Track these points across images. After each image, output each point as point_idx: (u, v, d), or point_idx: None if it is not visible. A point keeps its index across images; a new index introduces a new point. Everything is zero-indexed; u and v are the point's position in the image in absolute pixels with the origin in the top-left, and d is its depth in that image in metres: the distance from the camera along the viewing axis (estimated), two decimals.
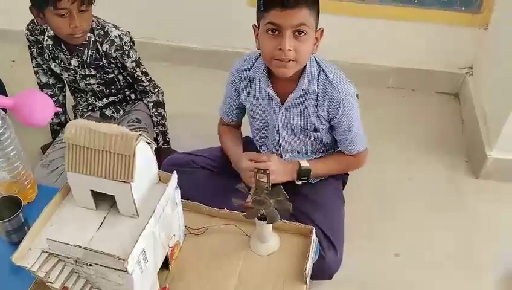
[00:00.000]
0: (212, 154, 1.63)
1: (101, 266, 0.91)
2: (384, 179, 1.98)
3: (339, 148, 1.55)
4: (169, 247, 1.08)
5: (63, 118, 2.00)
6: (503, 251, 1.68)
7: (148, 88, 1.85)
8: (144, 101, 1.89)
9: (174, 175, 1.04)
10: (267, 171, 1.03)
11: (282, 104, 1.42)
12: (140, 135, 0.92)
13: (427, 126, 2.26)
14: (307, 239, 1.16)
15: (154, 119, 1.88)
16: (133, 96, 1.94)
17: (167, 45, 2.67)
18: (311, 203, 1.50)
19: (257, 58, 1.43)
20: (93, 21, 1.67)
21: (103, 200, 1.00)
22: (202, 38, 2.59)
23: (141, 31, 2.32)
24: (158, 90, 1.90)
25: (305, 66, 1.35)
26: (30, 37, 1.75)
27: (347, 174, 1.68)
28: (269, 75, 1.40)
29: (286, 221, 1.18)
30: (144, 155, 0.96)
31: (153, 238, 0.97)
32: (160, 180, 1.06)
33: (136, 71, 1.78)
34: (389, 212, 1.84)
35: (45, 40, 1.71)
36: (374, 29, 2.30)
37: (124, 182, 0.92)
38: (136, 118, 1.86)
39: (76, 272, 0.96)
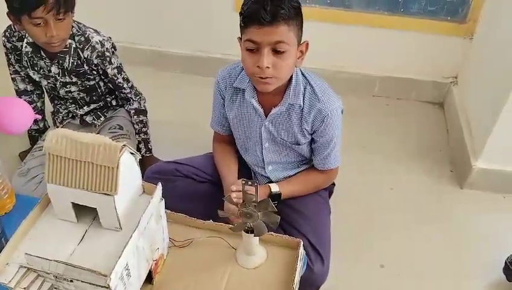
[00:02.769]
0: (196, 163, 1.60)
1: (82, 282, 0.87)
2: (367, 189, 1.97)
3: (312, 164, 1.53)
4: (153, 260, 1.05)
5: (41, 125, 1.94)
6: (487, 260, 1.69)
7: (129, 95, 1.81)
8: (126, 108, 1.85)
9: (159, 187, 1.00)
10: (255, 184, 1.01)
11: (266, 117, 1.40)
12: (124, 145, 0.89)
13: (411, 135, 2.27)
14: (294, 251, 1.13)
15: (136, 126, 1.84)
16: (114, 103, 1.89)
17: (150, 50, 2.63)
18: (297, 213, 1.47)
19: (243, 69, 1.40)
20: (73, 26, 1.62)
21: (85, 212, 0.95)
22: (186, 43, 2.56)
23: (124, 35, 2.28)
24: (140, 97, 1.86)
25: (290, 80, 1.33)
26: (7, 43, 1.69)
27: (333, 184, 1.66)
28: (254, 87, 1.38)
29: (273, 233, 1.15)
30: (128, 166, 0.92)
31: (136, 252, 0.93)
32: (144, 191, 1.02)
33: (118, 78, 1.74)
34: (373, 222, 1.84)
35: (24, 46, 1.65)
36: (360, 37, 2.30)
37: (107, 194, 0.88)
38: (117, 125, 1.81)
39: (55, 288, 0.92)
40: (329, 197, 1.64)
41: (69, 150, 0.88)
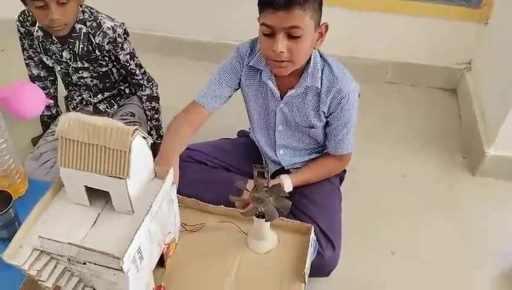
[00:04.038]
0: (208, 148, 1.60)
1: (95, 264, 0.88)
2: (379, 176, 1.96)
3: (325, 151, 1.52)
4: (165, 244, 1.05)
5: (54, 111, 1.95)
6: (498, 249, 1.68)
7: (141, 81, 1.81)
8: (138, 94, 1.85)
9: (171, 171, 1.00)
10: (267, 169, 1.00)
11: (282, 99, 1.39)
12: (136, 129, 0.89)
13: (423, 122, 2.24)
14: (305, 237, 1.13)
15: (148, 113, 1.84)
16: (127, 91, 1.89)
17: (158, 36, 2.62)
18: (308, 199, 1.47)
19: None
20: (85, 12, 1.63)
21: (97, 196, 0.96)
22: (195, 29, 2.55)
23: (133, 22, 2.27)
24: (152, 83, 1.85)
25: (308, 62, 1.32)
26: (21, 28, 1.70)
27: (344, 171, 1.66)
28: None
29: (284, 219, 1.15)
30: (140, 150, 0.93)
31: (148, 235, 0.94)
32: (156, 175, 1.03)
33: (130, 64, 1.74)
34: (384, 209, 1.82)
35: (35, 30, 1.66)
36: (373, 22, 2.28)
37: (119, 178, 0.88)
38: (129, 112, 1.82)
39: (69, 271, 0.93)
40: (340, 184, 1.64)
41: (81, 134, 0.88)
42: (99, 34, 1.63)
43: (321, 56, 1.34)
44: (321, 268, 1.35)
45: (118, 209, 0.95)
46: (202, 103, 1.41)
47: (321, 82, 1.33)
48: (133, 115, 1.80)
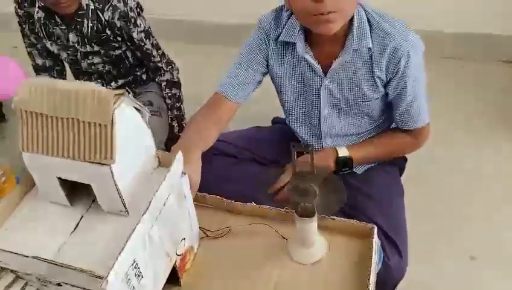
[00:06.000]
0: (238, 139, 1.34)
1: (72, 286, 0.63)
2: (445, 167, 1.69)
3: (392, 125, 1.25)
4: (178, 255, 0.79)
5: None
6: None
7: (160, 64, 1.57)
8: (156, 80, 1.61)
9: (179, 156, 0.74)
10: (310, 148, 0.73)
11: (325, 75, 1.12)
12: (121, 94, 0.63)
13: (495, 103, 1.93)
14: (365, 241, 0.85)
15: (168, 101, 1.61)
16: (144, 77, 1.67)
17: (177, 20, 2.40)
18: (364, 196, 1.19)
19: (290, 16, 1.12)
20: None
21: (81, 192, 0.71)
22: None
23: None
24: (172, 66, 1.62)
25: (351, 21, 1.05)
26: (19, 10, 1.50)
27: (405, 159, 1.35)
28: (306, 38, 1.10)
29: (336, 218, 0.87)
30: (131, 125, 0.67)
31: (149, 244, 0.68)
32: (160, 164, 0.77)
33: (146, 44, 1.51)
34: (458, 206, 1.56)
35: (36, 12, 1.45)
36: None
37: (101, 164, 0.63)
38: (147, 101, 1.59)
39: None
40: (400, 175, 1.34)
41: (45, 104, 0.63)
42: (108, 8, 1.42)
43: (365, 10, 1.07)
44: (387, 281, 1.08)
45: (107, 209, 0.70)
46: (225, 94, 1.17)
47: (371, 40, 1.06)
48: (151, 103, 1.57)
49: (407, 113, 1.15)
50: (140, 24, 1.48)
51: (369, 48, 1.07)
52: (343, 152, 1.17)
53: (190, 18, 2.44)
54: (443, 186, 1.62)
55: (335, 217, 0.87)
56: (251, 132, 1.42)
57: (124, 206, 0.68)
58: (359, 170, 1.25)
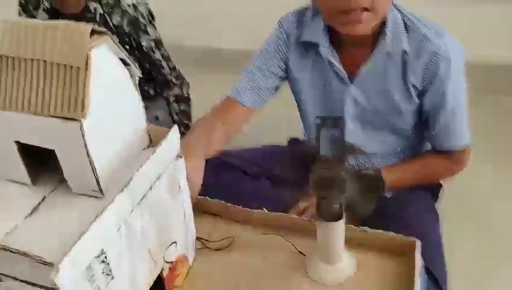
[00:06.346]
0: (249, 154, 1.19)
1: (15, 279, 0.46)
2: (484, 199, 1.50)
3: (428, 147, 1.09)
4: (166, 262, 0.62)
5: None
6: None
7: (169, 77, 1.46)
8: (164, 95, 1.49)
9: (174, 132, 0.59)
10: (341, 121, 0.58)
11: (352, 82, 0.98)
12: (103, 32, 0.49)
13: None
14: (406, 259, 0.68)
15: (176, 117, 1.48)
16: (151, 92, 1.54)
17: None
18: (396, 222, 1.00)
19: (314, 15, 1.00)
20: None
21: (50, 173, 0.56)
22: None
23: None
24: (182, 82, 1.51)
25: (382, 22, 0.92)
26: (23, 13, 1.42)
27: (440, 185, 1.18)
28: (331, 39, 0.97)
29: (368, 229, 0.70)
30: (113, 78, 0.53)
31: (126, 234, 0.52)
32: (151, 143, 0.61)
33: (155, 53, 1.40)
34: (502, 239, 1.37)
35: (39, 14, 1.37)
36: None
37: (69, 118, 0.48)
38: (154, 116, 1.46)
39: None
40: (435, 202, 1.16)
41: (6, 43, 0.49)
42: (117, 12, 1.33)
43: (398, 10, 0.95)
44: None
45: (77, 190, 0.54)
46: (237, 98, 1.04)
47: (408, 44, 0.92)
48: (156, 118, 1.44)
49: (447, 128, 0.99)
50: (151, 33, 1.38)
51: (404, 51, 0.93)
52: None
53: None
54: (481, 220, 1.45)
55: (366, 228, 0.70)
56: (266, 150, 1.28)
57: (97, 182, 0.52)
58: (388, 193, 1.08)
